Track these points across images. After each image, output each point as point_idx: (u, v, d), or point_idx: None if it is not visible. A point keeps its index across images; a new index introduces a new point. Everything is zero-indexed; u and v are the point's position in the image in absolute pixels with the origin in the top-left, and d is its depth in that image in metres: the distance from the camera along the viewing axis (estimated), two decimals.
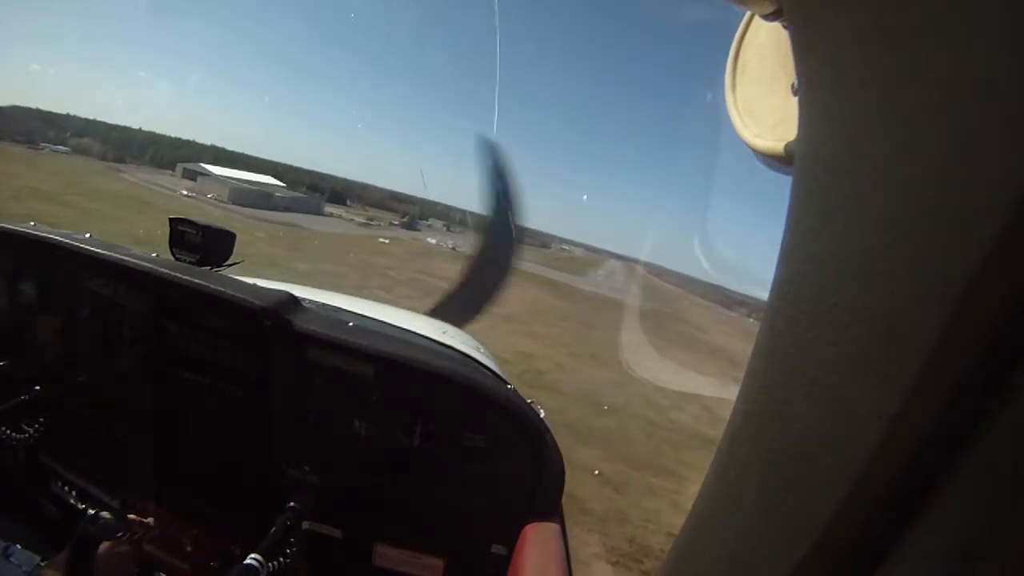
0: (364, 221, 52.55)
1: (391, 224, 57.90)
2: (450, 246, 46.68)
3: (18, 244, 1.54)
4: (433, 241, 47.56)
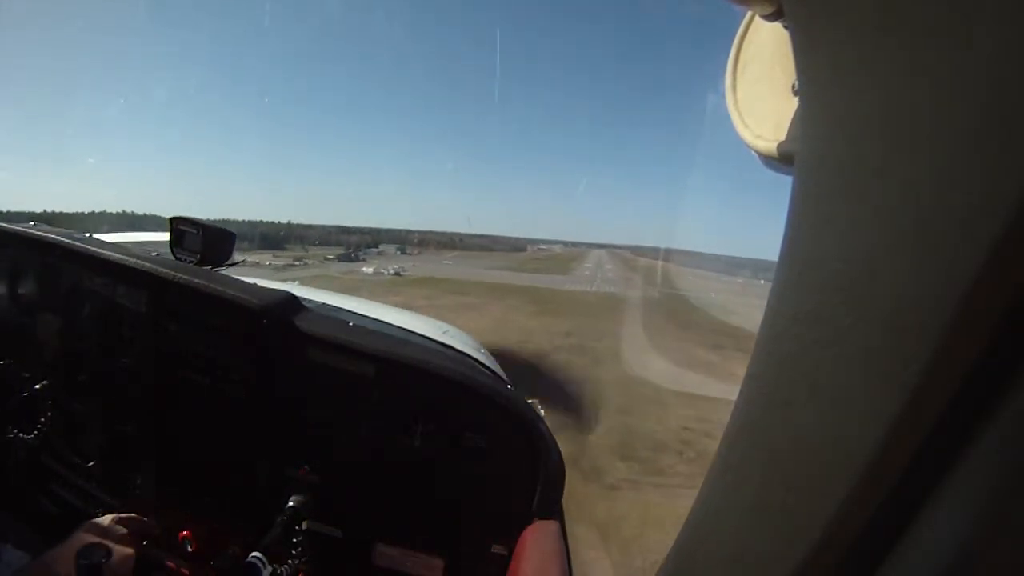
0: (285, 264, 49.58)
1: (325, 259, 55.48)
2: (392, 271, 43.70)
3: (18, 244, 1.55)
4: (369, 270, 44.87)
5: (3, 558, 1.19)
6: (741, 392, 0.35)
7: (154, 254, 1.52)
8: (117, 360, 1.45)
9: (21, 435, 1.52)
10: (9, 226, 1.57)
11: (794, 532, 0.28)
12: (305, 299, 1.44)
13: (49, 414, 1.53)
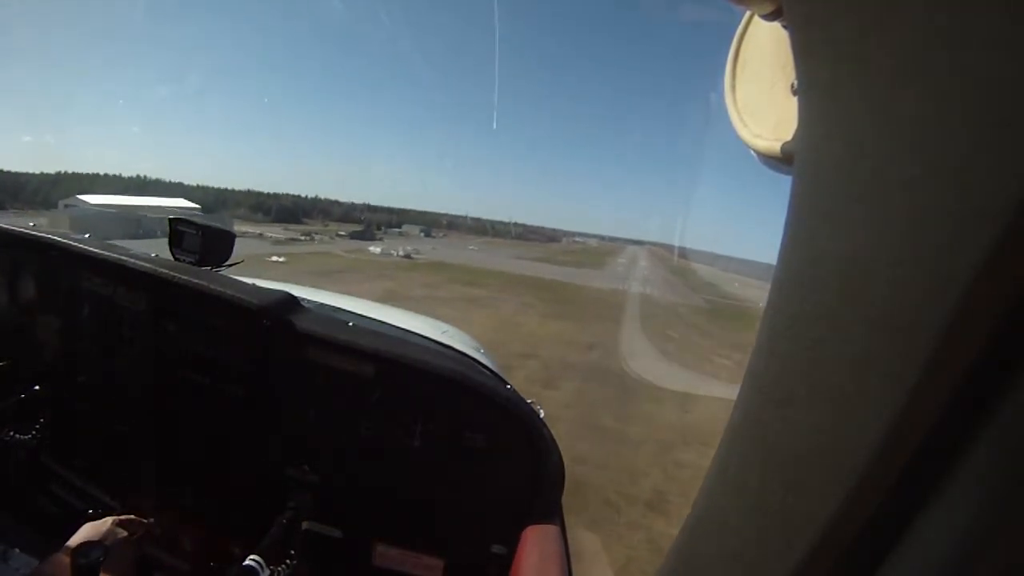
0: (290, 237, 47.35)
1: (337, 235, 54.03)
2: (401, 254, 41.80)
3: (18, 244, 1.54)
4: (377, 250, 42.76)
5: (9, 562, 1.20)
6: (741, 391, 0.35)
7: (153, 255, 1.52)
8: (116, 360, 1.45)
9: (20, 436, 1.52)
10: (9, 227, 1.56)
11: (794, 532, 0.28)
12: (305, 299, 1.44)
13: (49, 414, 1.53)
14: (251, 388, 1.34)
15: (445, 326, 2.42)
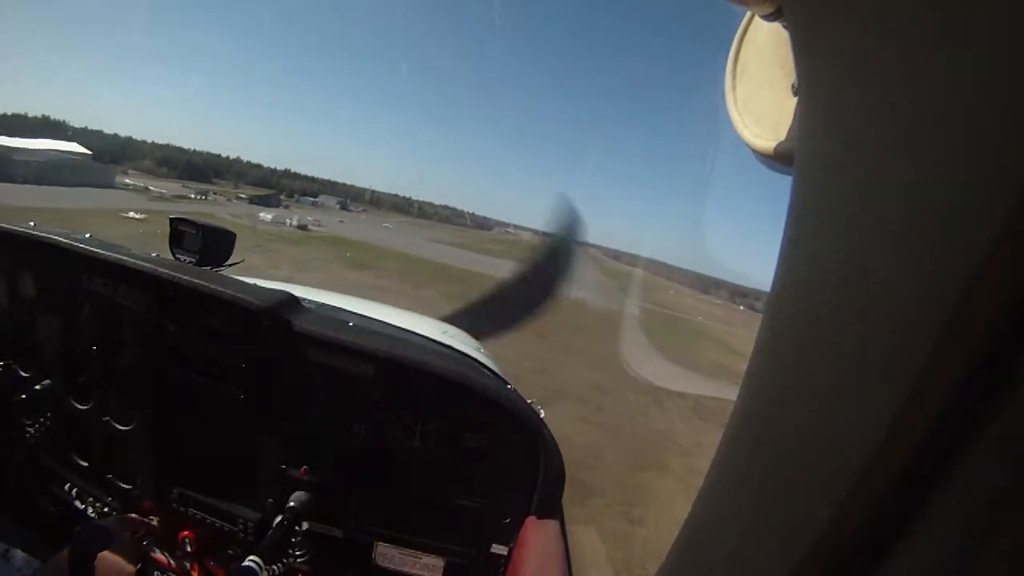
0: (178, 195, 42.97)
1: (236, 198, 50.82)
2: (294, 224, 37.53)
3: (18, 244, 1.54)
4: (268, 217, 37.89)
5: (11, 562, 1.20)
6: (741, 391, 0.35)
7: (154, 254, 1.52)
8: (117, 360, 1.45)
9: (21, 436, 1.52)
10: (9, 227, 1.56)
11: (794, 532, 0.28)
12: (305, 299, 1.44)
13: (49, 415, 1.53)
14: (251, 388, 1.34)
15: (445, 326, 2.42)
